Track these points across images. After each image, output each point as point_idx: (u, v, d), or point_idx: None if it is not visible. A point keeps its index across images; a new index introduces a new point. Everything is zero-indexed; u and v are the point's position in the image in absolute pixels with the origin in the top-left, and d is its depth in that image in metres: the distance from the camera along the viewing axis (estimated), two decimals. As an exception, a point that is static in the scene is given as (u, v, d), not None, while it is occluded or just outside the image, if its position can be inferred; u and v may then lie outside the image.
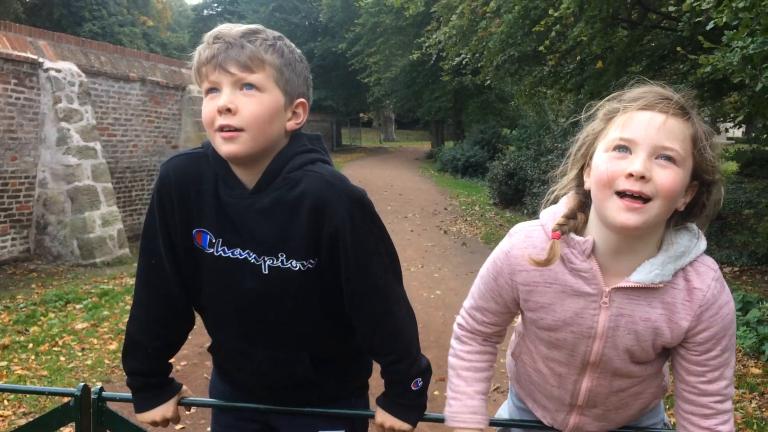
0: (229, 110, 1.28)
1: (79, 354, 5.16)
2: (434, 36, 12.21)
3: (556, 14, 7.89)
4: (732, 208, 13.32)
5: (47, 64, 8.29)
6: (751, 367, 4.88)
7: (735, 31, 4.39)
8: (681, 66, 10.18)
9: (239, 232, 1.37)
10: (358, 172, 23.79)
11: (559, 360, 1.51)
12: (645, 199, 1.24)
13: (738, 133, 16.10)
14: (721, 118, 12.55)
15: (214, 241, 1.39)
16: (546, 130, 16.49)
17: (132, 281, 7.53)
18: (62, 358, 5.05)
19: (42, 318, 6.05)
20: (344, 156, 33.84)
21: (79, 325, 5.83)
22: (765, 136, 6.86)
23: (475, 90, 26.15)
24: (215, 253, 1.40)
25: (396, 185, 19.35)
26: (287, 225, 1.35)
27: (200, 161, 1.42)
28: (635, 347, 1.40)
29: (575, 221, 1.39)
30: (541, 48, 9.02)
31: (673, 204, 1.30)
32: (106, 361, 5.00)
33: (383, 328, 1.47)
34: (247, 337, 1.47)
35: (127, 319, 6.09)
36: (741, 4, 4.18)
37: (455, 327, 1.66)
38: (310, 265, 1.38)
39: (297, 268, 1.37)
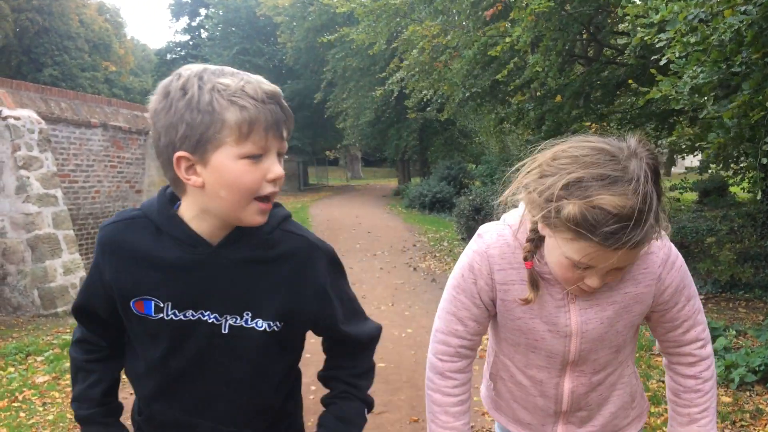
0: (279, 180, 1.22)
1: (40, 409, 4.97)
2: (396, 74, 12.39)
3: (510, 41, 8.05)
4: (694, 237, 13.61)
5: (5, 112, 8.17)
6: (721, 395, 4.91)
7: (684, 60, 4.56)
8: (634, 98, 10.50)
9: (192, 292, 1.27)
10: (325, 211, 23.75)
11: (539, 364, 1.51)
12: None
13: (696, 162, 16.56)
14: (678, 151, 12.91)
15: (162, 305, 1.28)
16: (509, 165, 16.74)
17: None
18: (22, 414, 4.85)
19: (1, 372, 5.83)
20: (311, 195, 33.82)
21: (40, 379, 5.63)
22: (719, 165, 7.08)
23: (440, 127, 26.51)
24: (165, 318, 1.28)
25: (364, 223, 19.35)
26: (259, 283, 1.28)
27: (134, 227, 1.30)
28: (610, 332, 1.44)
29: (536, 239, 1.39)
30: (499, 77, 9.19)
31: None
32: (68, 416, 4.81)
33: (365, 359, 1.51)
34: (188, 408, 1.34)
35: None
36: (692, 39, 4.36)
37: (434, 362, 1.60)
38: (275, 328, 1.31)
39: (262, 329, 1.29)
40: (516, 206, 1.46)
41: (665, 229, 1.30)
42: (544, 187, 1.26)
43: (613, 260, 1.22)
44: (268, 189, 1.20)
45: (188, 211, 1.26)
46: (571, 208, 1.19)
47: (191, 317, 1.28)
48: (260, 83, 1.18)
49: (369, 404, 1.47)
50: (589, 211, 1.17)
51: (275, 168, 1.19)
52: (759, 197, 10.47)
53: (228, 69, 1.20)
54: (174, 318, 1.28)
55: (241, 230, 1.27)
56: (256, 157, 1.17)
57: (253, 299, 1.29)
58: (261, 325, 1.29)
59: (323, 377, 1.50)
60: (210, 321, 1.28)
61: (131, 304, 1.29)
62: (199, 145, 1.15)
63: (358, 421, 1.43)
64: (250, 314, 1.29)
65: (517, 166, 1.40)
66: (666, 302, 1.46)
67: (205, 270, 1.26)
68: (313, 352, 1.74)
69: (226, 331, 1.29)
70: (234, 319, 1.28)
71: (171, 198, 1.30)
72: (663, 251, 1.42)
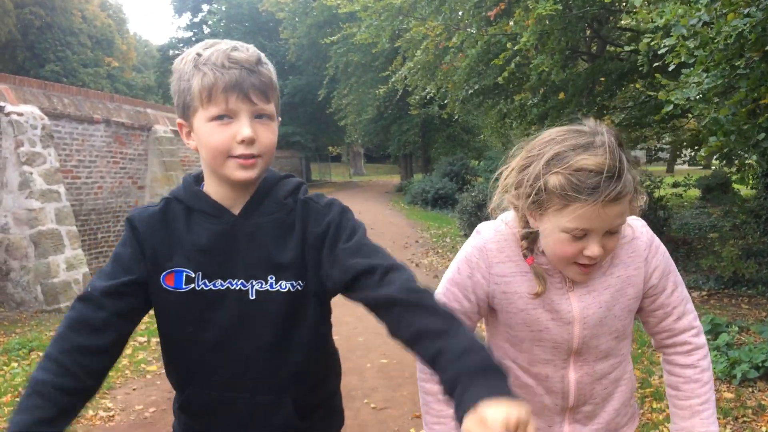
0: (253, 141, 1.28)
1: (43, 404, 4.99)
2: (400, 71, 12.36)
3: (515, 48, 8.06)
4: (697, 233, 13.59)
5: (8, 108, 8.17)
6: (724, 391, 4.91)
7: (692, 69, 4.56)
8: (638, 95, 10.47)
9: (220, 261, 1.34)
10: (328, 208, 23.70)
11: (544, 358, 1.54)
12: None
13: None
14: (680, 147, 12.89)
15: (192, 276, 1.33)
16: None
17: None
18: (25, 410, 4.87)
19: (4, 368, 5.84)
20: (314, 191, 33.75)
21: (43, 374, 5.65)
22: (721, 162, 7.08)
23: (442, 123, 26.47)
24: (196, 288, 1.33)
25: (367, 219, 19.29)
26: (279, 246, 1.35)
27: (165, 210, 1.39)
28: (608, 317, 1.52)
29: (531, 235, 1.47)
30: (499, 79, 9.18)
31: None
32: (72, 411, 4.83)
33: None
34: (224, 381, 1.37)
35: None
36: (692, 44, 4.35)
37: None
38: (299, 287, 1.34)
39: (286, 290, 1.33)
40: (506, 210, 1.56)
41: (641, 200, 1.44)
42: (527, 175, 1.39)
43: (604, 219, 1.33)
44: (238, 150, 1.27)
45: (207, 182, 1.38)
46: (555, 177, 1.34)
47: (220, 287, 1.33)
48: (230, 50, 1.27)
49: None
50: (573, 174, 1.32)
51: (242, 129, 1.26)
52: (756, 192, 10.43)
53: (225, 41, 1.30)
54: (204, 288, 1.33)
55: (258, 197, 1.36)
56: (221, 118, 1.26)
57: (275, 262, 1.34)
58: (285, 286, 1.33)
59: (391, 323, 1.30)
60: (237, 288, 1.33)
61: (162, 278, 1.34)
62: (185, 112, 1.31)
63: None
64: (273, 277, 1.33)
65: (494, 176, 1.53)
66: (655, 286, 1.54)
67: (230, 238, 1.34)
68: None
69: (254, 297, 1.33)
70: (260, 284, 1.33)
71: (195, 179, 1.42)
72: (646, 236, 1.53)
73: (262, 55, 1.33)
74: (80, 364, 1.23)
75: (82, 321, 1.27)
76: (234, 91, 1.25)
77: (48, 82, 9.70)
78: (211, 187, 1.37)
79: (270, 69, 1.33)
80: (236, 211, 1.36)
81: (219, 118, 1.27)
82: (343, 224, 1.37)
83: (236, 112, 1.27)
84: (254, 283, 1.33)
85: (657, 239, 1.57)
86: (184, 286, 1.33)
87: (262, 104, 1.29)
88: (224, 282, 1.33)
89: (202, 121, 1.28)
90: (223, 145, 1.27)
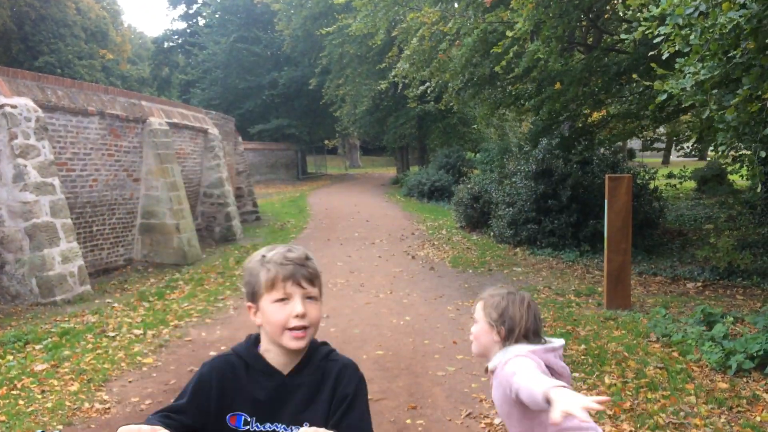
0: (304, 316, 1.69)
1: (39, 396, 4.98)
2: (399, 64, 12.33)
3: (512, 35, 8.04)
4: (692, 224, 13.62)
5: (2, 100, 8.12)
6: (719, 382, 4.93)
7: (687, 57, 4.54)
8: (635, 85, 10.45)
9: (271, 409, 1.74)
10: (324, 200, 23.72)
11: None
12: None
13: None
14: (676, 138, 12.89)
15: (249, 419, 1.73)
16: (508, 153, 16.72)
17: (94, 318, 7.34)
18: (21, 402, 4.86)
19: (0, 361, 5.83)
20: (310, 184, 33.77)
21: (39, 367, 5.63)
22: (719, 153, 7.06)
23: (439, 115, 26.41)
24: (251, 429, 1.73)
25: (363, 212, 19.33)
26: (315, 400, 1.74)
27: (232, 362, 1.80)
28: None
29: None
30: (497, 68, 9.16)
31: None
32: (67, 403, 4.83)
33: None
34: None
35: (89, 358, 5.88)
36: (686, 32, 4.34)
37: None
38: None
39: None
40: None
41: None
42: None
43: None
44: (293, 322, 1.70)
45: (264, 347, 1.79)
46: None
47: (268, 428, 1.74)
48: (286, 252, 1.74)
49: None
50: None
51: (297, 307, 1.70)
52: (759, 189, 10.44)
53: (282, 246, 1.78)
54: (257, 429, 1.74)
55: (303, 362, 1.77)
56: (282, 300, 1.70)
57: (309, 412, 1.74)
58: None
59: None
60: (281, 430, 1.73)
61: (227, 418, 1.74)
62: (254, 297, 1.75)
63: None
64: (308, 423, 1.70)
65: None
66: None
67: (279, 392, 1.76)
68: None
69: None
70: (297, 428, 1.70)
71: (255, 341, 1.83)
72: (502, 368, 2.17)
73: (309, 252, 1.77)
74: None
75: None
76: (289, 280, 1.70)
77: (42, 75, 9.63)
78: (269, 353, 1.78)
79: (314, 264, 1.76)
80: (286, 371, 1.76)
81: (280, 300, 1.70)
82: (359, 404, 1.77)
83: (292, 295, 1.70)
84: (293, 428, 1.72)
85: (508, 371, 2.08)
86: (242, 427, 1.74)
87: (310, 288, 1.72)
88: (272, 424, 1.74)
89: (266, 303, 1.71)
90: (283, 320, 1.70)
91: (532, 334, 2.17)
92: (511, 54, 8.72)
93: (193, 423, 1.74)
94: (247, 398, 1.76)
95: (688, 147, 15.28)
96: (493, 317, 2.20)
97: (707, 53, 4.29)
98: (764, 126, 4.60)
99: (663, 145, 30.12)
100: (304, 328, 1.71)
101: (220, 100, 36.06)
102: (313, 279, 1.74)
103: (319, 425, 1.71)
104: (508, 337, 2.17)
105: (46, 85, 9.28)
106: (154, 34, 51.34)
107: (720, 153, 5.44)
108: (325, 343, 1.86)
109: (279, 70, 35.62)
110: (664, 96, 4.68)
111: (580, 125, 11.79)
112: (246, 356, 1.82)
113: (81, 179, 9.84)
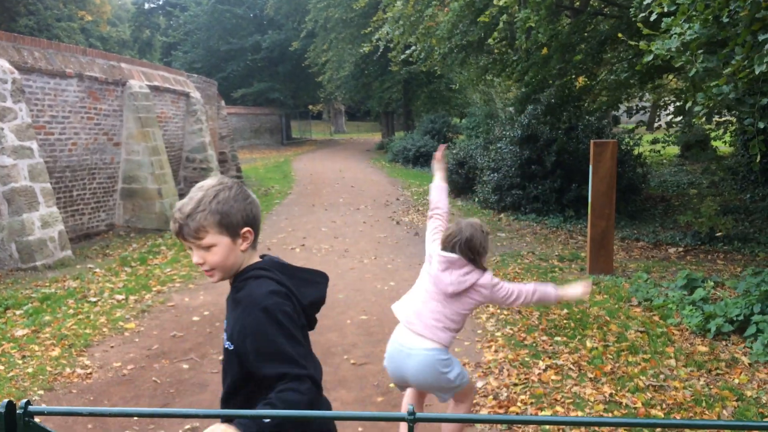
0: (200, 264, 1.87)
1: (20, 362, 4.94)
2: (383, 28, 12.12)
3: (500, 3, 7.91)
4: (675, 190, 13.70)
5: (-24, 60, 7.89)
6: (698, 345, 5.00)
7: (673, 18, 4.49)
8: (621, 52, 10.38)
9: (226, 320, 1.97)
10: (308, 165, 23.57)
11: None
12: None
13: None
14: (662, 104, 12.89)
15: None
16: (494, 118, 16.64)
17: (75, 284, 7.27)
18: (1, 367, 4.82)
19: (-21, 326, 5.77)
20: (294, 149, 33.50)
21: (19, 332, 5.59)
22: (702, 117, 7.05)
23: (425, 79, 26.17)
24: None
25: (347, 177, 19.24)
26: (232, 314, 1.91)
27: None
28: None
29: None
30: (490, 41, 9.05)
31: None
32: (48, 369, 4.80)
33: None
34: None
35: (70, 323, 5.80)
36: None
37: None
38: (230, 347, 1.89)
39: (227, 347, 1.91)
40: None
41: None
42: None
43: None
44: (200, 268, 1.92)
45: None
46: None
47: (223, 337, 1.97)
48: (179, 207, 1.83)
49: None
50: None
51: (193, 258, 1.89)
52: (734, 150, 10.48)
53: (190, 193, 1.87)
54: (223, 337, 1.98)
55: (233, 283, 1.95)
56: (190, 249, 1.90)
57: (229, 326, 1.92)
58: (228, 345, 1.91)
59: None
60: (225, 344, 1.93)
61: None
62: None
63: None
64: (226, 336, 1.93)
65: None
66: None
67: (227, 305, 2.00)
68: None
69: (225, 347, 1.95)
70: (226, 342, 1.93)
71: None
72: None
73: (207, 194, 1.82)
74: None
75: None
76: (179, 237, 1.87)
77: (18, 35, 9.34)
78: None
79: (200, 216, 1.80)
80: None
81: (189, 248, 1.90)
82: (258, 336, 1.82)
83: (189, 247, 1.88)
84: (225, 340, 1.94)
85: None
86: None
87: (198, 241, 1.83)
88: (224, 334, 1.97)
89: None
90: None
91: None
92: (501, 24, 8.60)
93: None
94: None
95: (670, 111, 15.28)
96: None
97: (694, 13, 4.24)
98: (761, 96, 4.58)
99: (647, 114, 30.14)
100: (208, 269, 1.89)
101: (203, 63, 35.41)
102: (199, 232, 1.81)
103: (230, 339, 1.89)
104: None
105: (22, 46, 9.04)
106: (135, -5, 50.09)
107: (696, 115, 5.43)
108: (261, 268, 1.91)
109: (262, 33, 35.01)
110: (650, 57, 4.64)
111: (566, 91, 11.72)
112: None
113: (60, 143, 9.66)
